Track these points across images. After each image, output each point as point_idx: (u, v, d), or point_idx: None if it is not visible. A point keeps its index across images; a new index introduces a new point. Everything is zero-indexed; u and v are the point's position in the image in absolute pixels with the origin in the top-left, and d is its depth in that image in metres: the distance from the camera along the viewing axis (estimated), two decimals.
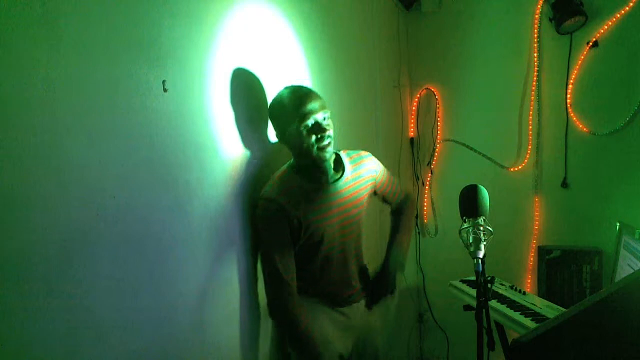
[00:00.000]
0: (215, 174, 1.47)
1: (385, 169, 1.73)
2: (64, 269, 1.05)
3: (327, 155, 1.46)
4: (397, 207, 1.81)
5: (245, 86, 1.59)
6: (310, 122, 1.42)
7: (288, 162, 1.57)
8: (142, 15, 1.22)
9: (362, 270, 1.70)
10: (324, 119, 1.44)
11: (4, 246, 0.94)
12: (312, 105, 1.42)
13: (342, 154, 1.61)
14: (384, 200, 1.78)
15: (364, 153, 1.66)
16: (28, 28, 0.98)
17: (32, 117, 0.99)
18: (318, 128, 1.42)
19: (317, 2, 1.98)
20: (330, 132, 1.45)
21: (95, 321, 1.12)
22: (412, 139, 2.82)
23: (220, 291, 1.50)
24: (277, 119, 1.52)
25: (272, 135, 1.70)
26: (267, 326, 1.71)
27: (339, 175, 1.55)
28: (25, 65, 0.98)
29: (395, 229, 1.79)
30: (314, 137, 1.42)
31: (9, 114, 0.95)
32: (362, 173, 1.61)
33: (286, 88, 1.51)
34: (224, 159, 1.49)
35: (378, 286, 1.68)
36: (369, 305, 1.68)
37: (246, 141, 1.59)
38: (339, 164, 1.58)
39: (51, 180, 1.02)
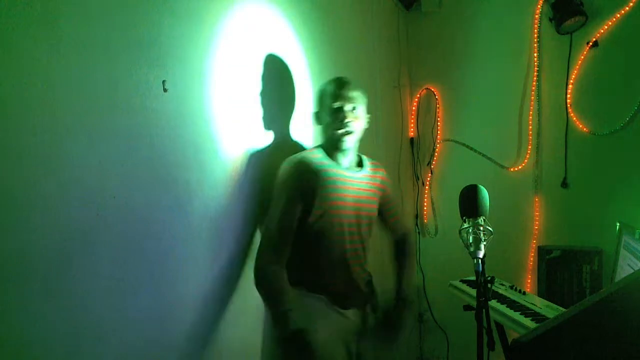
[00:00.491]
0: (215, 174, 1.47)
1: (392, 190, 1.81)
2: (64, 269, 1.05)
3: (346, 141, 1.53)
4: (398, 241, 1.83)
5: (248, 84, 1.59)
6: (336, 105, 1.53)
7: (316, 145, 1.66)
8: (142, 15, 1.22)
9: (368, 277, 1.70)
10: (352, 109, 1.54)
11: (4, 246, 0.94)
12: (345, 92, 1.54)
13: (364, 156, 1.71)
14: (383, 218, 1.77)
15: (379, 163, 1.77)
16: (28, 28, 0.98)
17: (32, 117, 0.99)
18: (341, 113, 1.52)
19: (317, 2, 1.98)
20: (351, 122, 1.52)
21: (95, 321, 1.12)
22: (412, 139, 2.81)
23: (221, 291, 1.50)
24: (316, 99, 1.65)
25: (271, 135, 1.70)
26: (267, 326, 1.71)
27: (359, 169, 1.64)
28: (25, 65, 0.98)
29: (402, 266, 1.80)
30: (336, 120, 1.53)
31: (9, 114, 0.95)
32: (377, 177, 1.69)
33: (336, 77, 1.64)
34: (224, 159, 1.49)
35: (390, 322, 1.66)
36: (378, 339, 1.67)
37: (247, 141, 1.59)
38: (360, 162, 1.68)
39: (51, 180, 1.02)
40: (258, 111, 1.64)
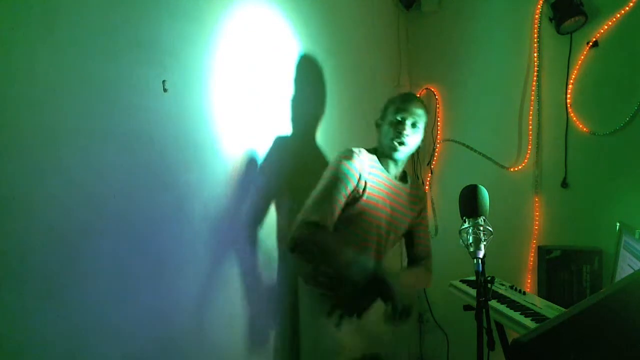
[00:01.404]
0: (216, 174, 1.47)
1: (428, 225, 1.81)
2: (64, 268, 1.05)
3: (399, 152, 1.58)
4: (419, 260, 1.78)
5: (248, 84, 1.59)
6: (397, 117, 1.58)
7: (372, 148, 1.69)
8: (142, 15, 1.22)
9: None
10: (413, 124, 1.58)
11: (4, 246, 0.94)
12: (407, 106, 1.59)
13: (407, 172, 1.75)
14: (412, 240, 1.76)
15: (425, 190, 1.81)
16: (28, 28, 0.98)
17: (32, 117, 0.99)
18: (400, 125, 1.57)
19: (317, 2, 1.98)
20: (409, 134, 1.56)
21: (95, 321, 1.12)
22: None
23: (221, 291, 1.50)
24: (382, 109, 1.70)
25: (273, 134, 1.70)
26: (268, 327, 1.71)
27: (403, 182, 1.69)
28: (25, 65, 0.98)
29: (410, 268, 1.77)
30: (393, 131, 1.57)
31: (9, 114, 0.95)
32: (417, 193, 1.73)
33: (405, 92, 1.71)
34: (224, 159, 1.49)
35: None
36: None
37: (247, 141, 1.59)
38: (405, 176, 1.72)
39: (51, 180, 1.02)
40: (260, 108, 1.64)
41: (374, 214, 1.57)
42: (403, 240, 1.80)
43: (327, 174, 1.52)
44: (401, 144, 1.57)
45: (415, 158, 2.79)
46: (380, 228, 1.60)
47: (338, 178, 1.49)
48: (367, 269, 1.38)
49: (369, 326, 1.66)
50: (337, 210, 1.48)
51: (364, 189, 1.54)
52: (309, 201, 1.49)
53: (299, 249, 1.44)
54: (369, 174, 1.56)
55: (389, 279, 1.41)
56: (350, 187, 1.51)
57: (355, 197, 1.53)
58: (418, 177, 2.80)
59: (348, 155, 1.54)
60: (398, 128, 1.57)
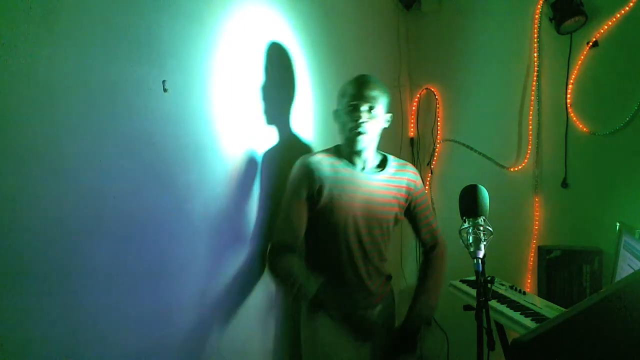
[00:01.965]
0: (216, 174, 1.47)
1: (426, 193, 1.75)
2: (64, 269, 1.05)
3: (359, 142, 1.50)
4: (427, 252, 1.74)
5: (247, 84, 1.59)
6: (352, 103, 1.50)
7: (335, 145, 1.63)
8: (142, 15, 1.22)
9: (385, 278, 1.69)
10: (369, 109, 1.50)
11: (4, 246, 0.94)
12: (362, 91, 1.50)
13: (390, 157, 1.66)
14: (415, 226, 1.73)
15: (411, 165, 1.71)
16: (28, 28, 0.98)
17: (32, 117, 0.99)
18: (356, 113, 1.49)
19: (317, 2, 1.98)
20: (365, 122, 1.49)
21: (95, 321, 1.12)
22: (412, 139, 2.81)
23: (221, 292, 1.50)
24: (338, 97, 1.61)
25: (272, 135, 1.70)
26: (268, 327, 1.71)
27: (377, 170, 1.60)
28: (25, 65, 0.98)
29: (425, 277, 1.68)
30: (350, 119, 1.50)
31: (9, 114, 0.95)
32: (402, 179, 1.63)
33: (358, 74, 1.60)
34: (224, 159, 1.49)
35: (399, 340, 1.58)
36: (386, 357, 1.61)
37: (247, 141, 1.59)
38: (383, 163, 1.63)
39: (51, 180, 1.02)
40: (260, 108, 1.64)
41: (344, 213, 1.53)
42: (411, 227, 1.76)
43: (286, 194, 1.55)
44: (359, 133, 1.49)
45: (415, 158, 2.80)
46: (358, 225, 1.55)
47: (291, 195, 1.52)
48: (307, 295, 1.41)
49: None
50: (302, 225, 1.52)
51: (323, 193, 1.51)
52: (277, 225, 1.54)
53: (272, 277, 1.54)
54: (327, 173, 1.52)
55: (418, 329, 1.54)
56: (304, 197, 1.52)
57: (316, 203, 1.52)
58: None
59: (300, 165, 1.55)
60: (353, 117, 1.49)
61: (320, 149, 1.67)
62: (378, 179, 1.59)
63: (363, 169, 1.58)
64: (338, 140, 1.65)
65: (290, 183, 1.55)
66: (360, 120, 1.49)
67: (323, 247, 1.57)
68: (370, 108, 1.50)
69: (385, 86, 1.58)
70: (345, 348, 1.57)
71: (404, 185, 1.64)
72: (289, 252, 1.50)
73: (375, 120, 1.52)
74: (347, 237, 1.55)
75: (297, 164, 1.56)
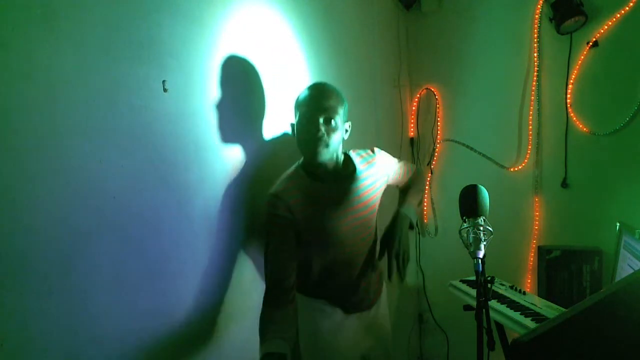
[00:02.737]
0: (216, 174, 1.47)
1: (397, 160, 1.70)
2: (64, 269, 1.05)
3: (320, 156, 1.41)
4: (407, 182, 1.73)
5: (247, 84, 1.59)
6: (307, 116, 1.40)
7: (298, 161, 1.53)
8: (142, 15, 1.22)
9: (379, 274, 1.69)
10: (326, 121, 1.40)
11: (4, 246, 0.94)
12: (316, 103, 1.40)
13: (352, 153, 1.57)
14: (396, 185, 1.74)
15: (374, 151, 1.62)
16: (28, 28, 0.98)
17: (32, 117, 0.99)
18: (312, 126, 1.39)
19: (317, 2, 1.98)
20: (324, 134, 1.39)
21: (95, 321, 1.12)
22: (412, 139, 2.81)
23: (221, 292, 1.50)
24: (293, 109, 1.50)
25: (272, 135, 1.70)
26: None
27: (349, 175, 1.52)
28: (25, 65, 0.98)
29: (404, 192, 1.71)
30: (306, 131, 1.40)
31: (9, 114, 0.95)
32: (374, 172, 1.57)
33: (312, 83, 1.50)
34: (224, 159, 1.49)
35: (388, 248, 1.55)
36: (389, 276, 1.55)
37: (247, 141, 1.59)
38: (349, 164, 1.54)
39: (51, 180, 1.02)
40: (260, 108, 1.64)
41: (330, 230, 1.48)
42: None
43: (265, 235, 1.45)
44: (319, 146, 1.39)
45: (415, 158, 2.80)
46: (346, 235, 1.51)
47: (273, 237, 1.43)
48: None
49: (367, 330, 1.66)
50: (293, 262, 1.44)
51: (303, 221, 1.44)
52: (266, 268, 1.44)
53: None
54: (299, 199, 1.44)
55: (403, 232, 1.55)
56: (286, 235, 1.43)
57: (300, 231, 1.45)
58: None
59: (269, 205, 1.43)
60: (311, 130, 1.38)
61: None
62: (353, 184, 1.52)
63: (334, 180, 1.50)
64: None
65: (267, 226, 1.45)
66: (319, 134, 1.38)
67: (315, 259, 1.54)
68: (328, 119, 1.40)
69: (341, 93, 1.48)
70: (345, 345, 1.57)
71: (377, 177, 1.58)
72: (281, 294, 1.42)
73: (334, 132, 1.41)
74: (339, 249, 1.52)
75: (271, 202, 1.43)
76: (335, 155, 1.47)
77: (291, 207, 1.42)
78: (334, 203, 1.48)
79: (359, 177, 1.53)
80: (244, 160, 1.57)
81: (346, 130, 1.50)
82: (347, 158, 1.56)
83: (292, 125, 1.49)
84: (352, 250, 1.56)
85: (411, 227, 1.63)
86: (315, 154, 1.40)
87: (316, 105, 1.39)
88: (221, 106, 1.47)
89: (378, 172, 1.58)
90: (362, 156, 1.58)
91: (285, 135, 1.77)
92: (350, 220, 1.51)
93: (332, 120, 1.40)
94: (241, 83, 1.57)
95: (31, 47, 0.99)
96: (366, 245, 1.60)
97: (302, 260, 1.53)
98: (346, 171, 1.52)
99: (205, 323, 1.45)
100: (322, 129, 1.39)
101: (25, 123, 0.98)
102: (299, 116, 1.43)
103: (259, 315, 1.66)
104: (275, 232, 1.43)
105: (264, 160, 1.66)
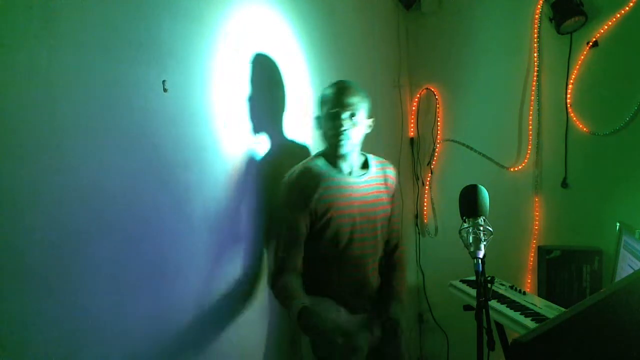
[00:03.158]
0: (216, 174, 1.47)
1: (398, 194, 1.77)
2: (64, 269, 1.05)
3: (343, 147, 1.52)
4: (390, 253, 1.74)
5: (249, 83, 1.59)
6: (333, 111, 1.51)
7: (318, 151, 1.64)
8: (142, 15, 1.22)
9: (379, 279, 1.69)
10: (350, 116, 1.51)
11: (4, 246, 0.94)
12: (343, 98, 1.51)
13: (370, 156, 1.68)
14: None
15: (389, 163, 1.73)
16: (28, 28, 0.98)
17: (32, 117, 0.99)
18: (337, 120, 1.50)
19: (317, 2, 1.98)
20: (348, 129, 1.50)
21: (95, 322, 1.12)
22: (412, 139, 2.81)
23: (221, 292, 1.50)
24: (317, 104, 1.62)
25: (272, 135, 1.70)
26: (268, 327, 1.71)
27: (363, 172, 1.62)
28: (25, 65, 0.98)
29: (392, 279, 1.70)
30: (333, 127, 1.51)
31: (9, 114, 0.95)
32: (385, 177, 1.66)
33: (337, 80, 1.60)
34: (224, 159, 1.49)
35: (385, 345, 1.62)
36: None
37: (247, 141, 1.59)
38: (366, 164, 1.65)
39: (51, 180, 1.02)
40: (260, 108, 1.64)
41: (344, 221, 1.53)
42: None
43: (279, 212, 1.55)
44: (342, 139, 1.51)
45: (415, 158, 2.80)
46: (357, 229, 1.56)
47: (287, 214, 1.52)
48: (292, 317, 1.39)
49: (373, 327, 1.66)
50: (302, 243, 1.52)
51: (319, 205, 1.51)
52: (275, 244, 1.55)
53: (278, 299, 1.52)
54: (317, 186, 1.51)
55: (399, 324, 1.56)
56: (301, 213, 1.50)
57: (313, 215, 1.51)
58: (418, 178, 2.80)
59: (288, 185, 1.53)
60: (335, 125, 1.50)
61: (320, 148, 1.66)
62: (365, 180, 1.60)
63: (350, 173, 1.59)
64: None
65: (283, 202, 1.54)
66: (342, 128, 1.50)
67: (323, 255, 1.57)
68: (352, 115, 1.51)
69: (364, 91, 1.59)
70: (349, 347, 1.57)
71: (387, 182, 1.66)
72: (289, 271, 1.50)
73: (357, 126, 1.53)
74: (349, 242, 1.55)
75: (286, 180, 1.54)
76: (355, 150, 1.58)
77: (314, 189, 1.51)
78: (346, 194, 1.55)
79: (372, 178, 1.62)
80: (245, 161, 1.58)
81: (369, 126, 1.60)
82: (365, 157, 1.66)
83: (317, 118, 1.61)
84: (361, 247, 1.58)
85: (401, 329, 1.60)
86: (339, 146, 1.51)
87: (341, 101, 1.51)
88: (222, 106, 1.48)
89: (388, 178, 1.67)
90: (378, 161, 1.69)
91: (285, 136, 1.77)
92: (362, 216, 1.57)
93: (355, 116, 1.51)
94: (242, 84, 1.57)
95: (31, 47, 0.99)
96: (375, 245, 1.63)
97: (310, 257, 1.54)
98: (362, 170, 1.63)
99: (204, 323, 1.44)
100: (346, 123, 1.50)
101: (25, 123, 0.98)
102: (325, 111, 1.54)
103: (258, 315, 1.66)
104: (288, 215, 1.51)
105: (264, 160, 1.66)
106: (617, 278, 1.79)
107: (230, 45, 1.51)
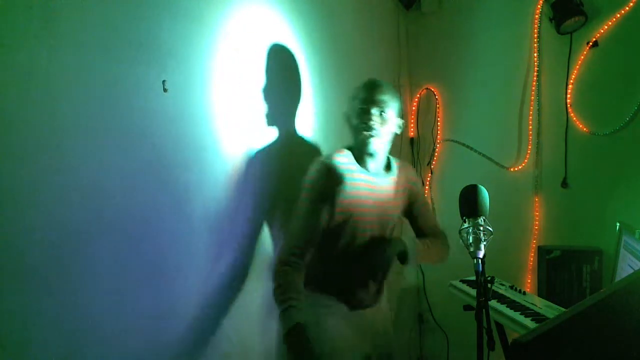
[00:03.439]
0: (216, 174, 1.47)
1: (425, 194, 1.75)
2: (64, 269, 1.05)
3: (371, 144, 1.52)
4: (435, 236, 1.73)
5: (247, 84, 1.59)
6: (362, 106, 1.53)
7: (347, 145, 1.63)
8: (142, 15, 1.22)
9: (384, 280, 1.70)
10: (380, 113, 1.52)
11: (4, 246, 0.94)
12: (373, 95, 1.53)
13: (393, 157, 1.69)
14: (417, 224, 1.74)
15: (410, 165, 1.74)
16: (28, 28, 0.98)
17: (32, 117, 0.99)
18: (367, 116, 1.51)
19: (317, 2, 1.98)
20: (377, 126, 1.51)
21: (94, 321, 1.12)
22: (412, 139, 2.81)
23: (220, 291, 1.50)
24: (349, 100, 1.63)
25: (272, 135, 1.70)
26: (268, 326, 1.71)
27: (386, 173, 1.63)
28: (25, 65, 0.98)
29: (426, 239, 1.70)
30: (362, 123, 1.52)
31: (9, 114, 0.95)
32: (404, 178, 1.67)
33: (369, 78, 1.62)
34: (224, 159, 1.49)
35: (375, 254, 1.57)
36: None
37: (247, 141, 1.59)
38: (388, 165, 1.65)
39: (51, 180, 1.02)
40: (260, 108, 1.64)
41: (362, 219, 1.54)
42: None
43: (302, 194, 1.51)
44: (371, 136, 1.51)
45: (415, 158, 2.80)
46: (374, 230, 1.57)
47: (309, 197, 1.49)
48: (285, 325, 1.36)
49: (367, 327, 1.66)
50: (319, 229, 1.49)
51: (341, 195, 1.50)
52: (291, 225, 1.51)
53: (275, 292, 1.45)
54: (343, 178, 1.51)
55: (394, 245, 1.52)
56: (324, 200, 1.49)
57: (334, 204, 1.51)
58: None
59: (317, 170, 1.52)
60: (365, 119, 1.52)
61: (320, 149, 1.67)
62: (387, 181, 1.61)
63: (375, 172, 1.60)
64: (337, 140, 1.65)
65: (308, 185, 1.52)
66: (371, 123, 1.51)
67: (335, 250, 1.57)
68: (381, 112, 1.53)
69: (396, 91, 1.60)
70: (349, 341, 1.57)
71: (406, 184, 1.66)
72: (297, 270, 1.47)
73: (386, 124, 1.54)
74: (363, 240, 1.56)
75: (316, 165, 1.53)
76: (383, 148, 1.58)
77: (340, 180, 1.51)
78: (370, 193, 1.56)
79: (394, 179, 1.63)
80: (244, 161, 1.58)
81: (399, 127, 1.62)
82: (389, 159, 1.67)
83: (347, 114, 1.62)
84: (369, 245, 1.58)
85: (402, 259, 1.56)
86: (367, 142, 1.52)
87: (371, 98, 1.53)
88: (221, 106, 1.48)
89: (406, 179, 1.67)
90: (400, 162, 1.70)
91: (285, 136, 1.77)
92: (380, 214, 1.58)
93: (385, 113, 1.53)
94: (242, 84, 1.57)
95: (31, 47, 0.99)
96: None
97: (319, 249, 1.55)
98: (386, 169, 1.64)
99: (204, 323, 1.44)
100: (376, 120, 1.51)
101: (25, 123, 0.98)
102: (356, 107, 1.55)
103: (258, 315, 1.66)
104: (311, 196, 1.50)
105: (264, 160, 1.66)
106: (617, 278, 1.79)
107: (230, 45, 1.51)
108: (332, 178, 1.50)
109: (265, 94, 1.65)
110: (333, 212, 1.51)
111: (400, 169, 1.67)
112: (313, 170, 1.53)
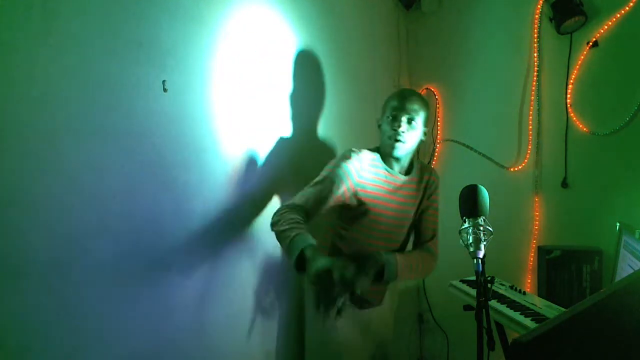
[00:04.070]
0: (216, 174, 1.47)
1: (438, 198, 1.80)
2: (64, 268, 1.05)
3: (397, 150, 1.58)
4: (422, 242, 1.75)
5: (245, 85, 1.59)
6: (392, 114, 1.59)
7: (377, 146, 1.69)
8: (142, 15, 1.22)
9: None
10: (408, 121, 1.58)
11: (4, 246, 0.94)
12: (402, 103, 1.59)
13: (415, 160, 1.74)
14: (420, 224, 1.75)
15: (437, 175, 1.79)
16: (28, 28, 0.98)
17: (32, 117, 0.99)
18: (395, 122, 1.58)
19: (317, 2, 1.98)
20: (405, 131, 1.57)
21: (95, 321, 1.12)
22: None
23: (221, 292, 1.50)
24: (382, 107, 1.70)
25: (273, 134, 1.70)
26: (268, 327, 1.71)
27: (408, 175, 1.69)
28: (25, 65, 0.98)
29: (413, 250, 1.72)
30: (389, 129, 1.59)
31: (9, 114, 0.95)
32: (424, 178, 1.72)
33: (403, 88, 1.67)
34: (224, 159, 1.49)
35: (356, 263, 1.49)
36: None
37: (246, 141, 1.59)
38: (410, 167, 1.70)
39: (51, 180, 1.02)
40: (260, 109, 1.64)
41: (379, 212, 1.59)
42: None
43: (324, 171, 1.55)
44: (398, 141, 1.57)
45: (415, 158, 2.80)
46: (389, 224, 1.62)
47: (331, 179, 1.51)
48: (291, 258, 1.29)
49: (372, 326, 1.66)
50: (323, 207, 1.50)
51: (362, 190, 1.54)
52: (300, 192, 1.51)
53: (274, 227, 1.41)
54: (369, 174, 1.57)
55: (379, 258, 1.49)
56: (341, 189, 1.51)
57: (351, 196, 1.54)
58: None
59: (347, 157, 1.55)
60: (394, 126, 1.58)
61: (320, 149, 1.67)
62: (410, 181, 1.67)
63: (399, 173, 1.66)
64: (337, 140, 1.66)
65: (333, 163, 1.56)
66: (400, 129, 1.56)
67: (350, 244, 1.61)
68: (410, 120, 1.58)
69: (426, 101, 1.67)
70: (355, 349, 1.57)
71: (426, 184, 1.72)
72: (304, 215, 1.44)
73: (414, 131, 1.60)
74: (379, 237, 1.61)
75: (345, 152, 1.59)
76: (408, 154, 1.65)
77: (363, 174, 1.56)
78: (392, 192, 1.62)
79: (413, 177, 1.68)
80: (245, 161, 1.58)
81: (424, 134, 1.67)
82: (412, 163, 1.72)
83: (379, 121, 1.68)
84: (384, 246, 1.61)
85: (379, 278, 1.50)
86: (393, 147, 1.59)
87: (402, 105, 1.59)
88: (221, 106, 1.48)
89: (425, 181, 1.71)
90: (422, 165, 1.75)
91: (284, 136, 1.77)
92: (400, 218, 1.64)
93: (414, 121, 1.59)
94: (242, 84, 1.57)
95: (31, 47, 0.99)
96: (393, 245, 1.67)
97: (334, 249, 1.55)
98: (410, 171, 1.70)
99: (204, 323, 1.44)
100: (404, 126, 1.57)
101: (25, 123, 0.98)
102: (387, 113, 1.62)
103: (258, 315, 1.66)
104: (331, 174, 1.52)
105: (264, 160, 1.66)
106: (617, 278, 1.79)
107: (230, 45, 1.51)
108: (357, 167, 1.55)
109: (264, 94, 1.65)
110: (354, 204, 1.55)
111: (423, 172, 1.73)
112: (342, 156, 1.58)
